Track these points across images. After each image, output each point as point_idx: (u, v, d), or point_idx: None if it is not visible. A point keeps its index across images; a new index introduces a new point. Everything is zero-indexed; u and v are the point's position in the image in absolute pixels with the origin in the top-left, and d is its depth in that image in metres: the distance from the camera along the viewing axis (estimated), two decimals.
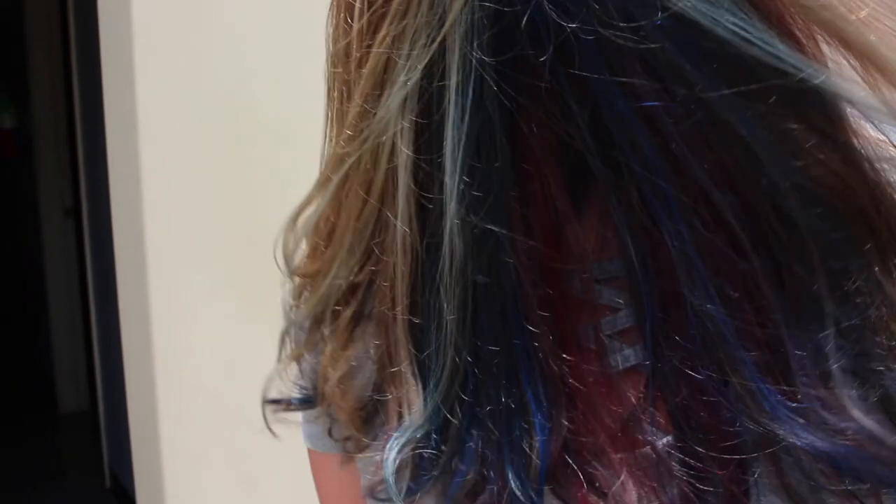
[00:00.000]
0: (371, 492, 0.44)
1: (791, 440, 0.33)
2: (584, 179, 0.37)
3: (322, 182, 0.43)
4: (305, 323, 0.46)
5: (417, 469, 0.40)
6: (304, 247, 0.46)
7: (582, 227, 0.38)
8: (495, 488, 0.37)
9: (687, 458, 0.36)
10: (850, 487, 0.34)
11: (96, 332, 3.19)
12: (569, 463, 0.37)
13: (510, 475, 0.37)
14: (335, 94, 0.43)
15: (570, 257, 0.37)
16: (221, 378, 1.50)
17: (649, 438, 0.37)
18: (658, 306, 0.36)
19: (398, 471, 0.40)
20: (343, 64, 0.41)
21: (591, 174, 0.36)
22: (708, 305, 0.34)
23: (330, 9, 0.43)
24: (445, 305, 0.37)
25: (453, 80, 0.35)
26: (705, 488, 0.35)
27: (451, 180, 0.36)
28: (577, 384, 0.37)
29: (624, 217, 0.35)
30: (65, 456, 3.66)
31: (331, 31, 0.43)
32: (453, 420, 0.38)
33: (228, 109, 1.49)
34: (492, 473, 0.37)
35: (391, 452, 0.40)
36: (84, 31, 2.82)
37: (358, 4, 0.40)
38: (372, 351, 0.43)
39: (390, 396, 0.43)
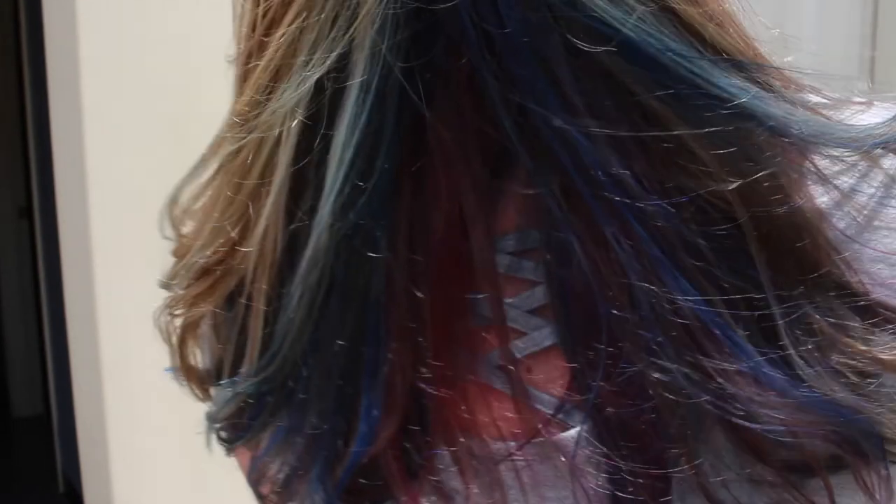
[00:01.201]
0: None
1: (745, 404, 0.33)
2: (501, 174, 0.37)
3: (200, 163, 0.43)
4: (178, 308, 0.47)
5: (236, 425, 0.42)
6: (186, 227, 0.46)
7: (495, 220, 0.37)
8: (299, 476, 0.39)
9: (602, 450, 0.35)
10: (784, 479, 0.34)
11: (48, 335, 3.14)
12: (382, 478, 0.38)
13: (314, 473, 0.38)
14: (237, 82, 0.42)
15: (470, 261, 0.37)
16: (171, 378, 1.48)
17: (555, 433, 0.36)
18: (575, 285, 0.35)
19: (224, 417, 0.42)
20: (242, 50, 0.40)
21: (509, 169, 0.36)
22: (639, 283, 0.34)
23: None
24: (297, 302, 0.37)
25: (358, 77, 0.35)
26: (622, 484, 0.35)
27: (334, 179, 0.35)
28: (439, 392, 0.37)
29: (546, 204, 0.35)
30: (18, 460, 3.60)
31: (238, 14, 0.42)
32: (269, 398, 0.40)
33: (175, 110, 1.48)
34: (299, 462, 0.39)
35: (221, 395, 0.42)
36: (34, 31, 2.77)
37: None
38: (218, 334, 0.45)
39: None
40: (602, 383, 0.34)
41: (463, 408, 0.37)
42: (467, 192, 0.36)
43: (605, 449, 0.35)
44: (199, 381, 0.47)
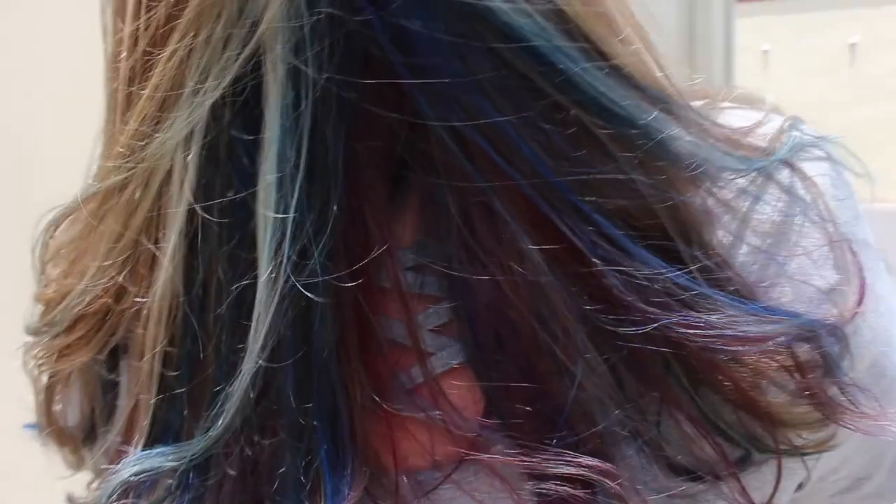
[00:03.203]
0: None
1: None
2: (401, 186, 0.36)
3: (78, 202, 0.39)
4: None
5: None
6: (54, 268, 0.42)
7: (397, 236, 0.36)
8: None
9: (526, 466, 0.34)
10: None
11: None
12: None
13: None
14: (110, 104, 0.38)
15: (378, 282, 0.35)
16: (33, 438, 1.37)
17: (482, 452, 0.34)
18: (479, 297, 0.34)
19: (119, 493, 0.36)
20: (118, 75, 0.36)
21: (407, 180, 0.35)
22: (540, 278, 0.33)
23: (102, 8, 0.38)
24: (244, 369, 0.33)
25: (274, 101, 0.32)
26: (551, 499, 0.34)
27: (275, 228, 0.32)
28: (364, 425, 0.35)
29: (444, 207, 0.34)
30: None
31: (107, 35, 0.38)
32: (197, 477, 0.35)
33: (14, 138, 1.37)
34: None
35: (124, 470, 0.36)
36: None
37: (131, 2, 0.35)
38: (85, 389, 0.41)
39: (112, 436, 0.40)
40: (516, 408, 0.34)
41: (387, 438, 0.35)
42: (371, 209, 0.34)
43: (527, 463, 0.34)
44: (69, 441, 0.42)
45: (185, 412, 0.35)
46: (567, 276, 0.33)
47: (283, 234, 0.32)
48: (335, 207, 0.33)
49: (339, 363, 0.34)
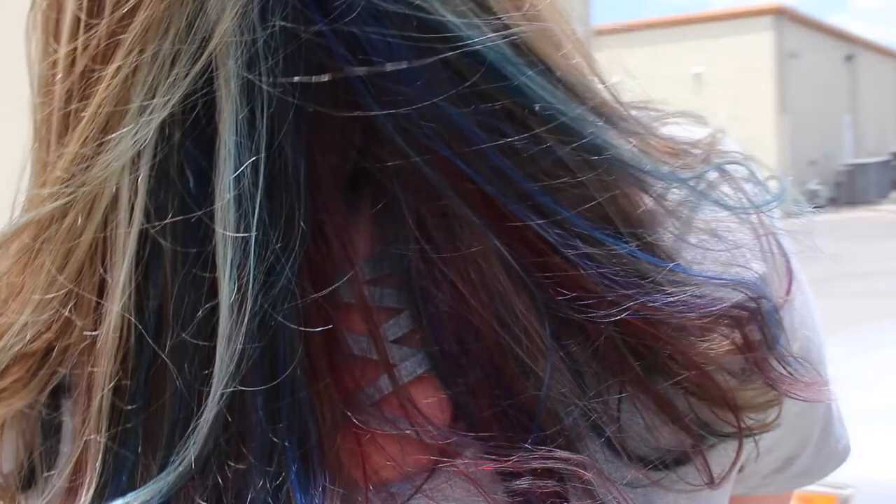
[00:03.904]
0: None
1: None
2: (356, 197, 0.36)
3: (6, 236, 0.36)
4: None
5: None
6: None
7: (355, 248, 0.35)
8: None
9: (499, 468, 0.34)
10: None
11: None
12: None
13: None
14: (41, 129, 0.36)
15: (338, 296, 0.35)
16: None
17: (453, 460, 0.34)
18: (439, 305, 0.34)
19: None
20: (51, 99, 0.35)
21: (360, 190, 0.35)
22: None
23: (29, 24, 0.36)
24: (215, 399, 0.32)
25: (228, 116, 0.31)
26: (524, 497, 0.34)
27: (240, 252, 0.32)
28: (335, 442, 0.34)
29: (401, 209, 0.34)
30: None
31: (34, 52, 0.36)
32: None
33: None
34: None
35: None
36: None
37: (67, 23, 0.34)
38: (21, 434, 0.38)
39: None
40: (484, 412, 0.34)
41: (356, 453, 0.35)
42: (331, 222, 0.34)
43: (501, 465, 0.34)
44: (3, 491, 0.39)
45: (140, 448, 0.34)
46: (529, 272, 0.34)
47: (247, 254, 0.32)
48: (301, 223, 0.32)
49: (308, 381, 0.33)
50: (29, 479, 0.38)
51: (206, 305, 0.32)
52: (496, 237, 0.33)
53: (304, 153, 0.33)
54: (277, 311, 0.32)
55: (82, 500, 0.34)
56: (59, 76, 0.34)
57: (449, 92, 0.33)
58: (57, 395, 0.37)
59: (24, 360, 0.36)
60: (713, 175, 0.39)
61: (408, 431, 0.34)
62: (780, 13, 21.11)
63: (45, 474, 0.37)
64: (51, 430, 0.37)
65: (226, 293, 0.32)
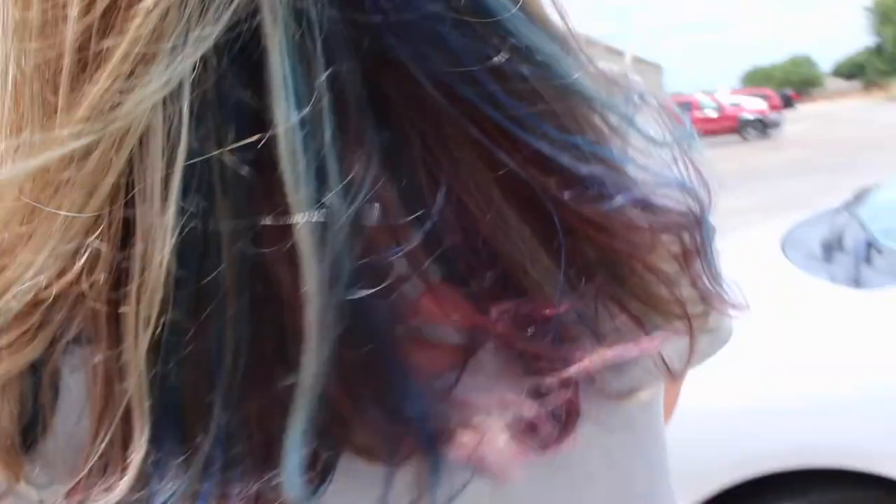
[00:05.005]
0: None
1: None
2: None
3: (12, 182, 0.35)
4: None
5: None
6: None
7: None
8: None
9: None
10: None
11: None
12: None
13: None
14: (42, 72, 0.34)
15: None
16: None
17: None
18: (448, 223, 0.36)
19: None
20: (56, 37, 0.34)
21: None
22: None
23: None
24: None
25: (281, 41, 0.32)
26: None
27: (300, 175, 0.32)
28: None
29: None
30: None
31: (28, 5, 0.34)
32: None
33: None
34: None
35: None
36: None
37: None
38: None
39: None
40: (502, 311, 0.37)
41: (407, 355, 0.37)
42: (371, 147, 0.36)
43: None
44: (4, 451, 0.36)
45: (188, 386, 0.34)
46: (517, 178, 0.37)
47: (325, 175, 0.33)
48: (377, 139, 0.34)
49: (369, 296, 0.34)
50: (25, 443, 0.36)
51: (267, 227, 0.33)
52: (501, 152, 0.36)
53: (364, 77, 0.34)
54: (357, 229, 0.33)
55: (133, 454, 0.33)
56: (74, 15, 0.33)
57: (446, 20, 0.36)
58: (58, 346, 0.35)
59: (28, 316, 0.34)
60: (639, 103, 0.43)
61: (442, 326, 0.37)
62: None
63: (56, 434, 0.36)
64: (53, 387, 0.36)
65: (299, 215, 0.32)
